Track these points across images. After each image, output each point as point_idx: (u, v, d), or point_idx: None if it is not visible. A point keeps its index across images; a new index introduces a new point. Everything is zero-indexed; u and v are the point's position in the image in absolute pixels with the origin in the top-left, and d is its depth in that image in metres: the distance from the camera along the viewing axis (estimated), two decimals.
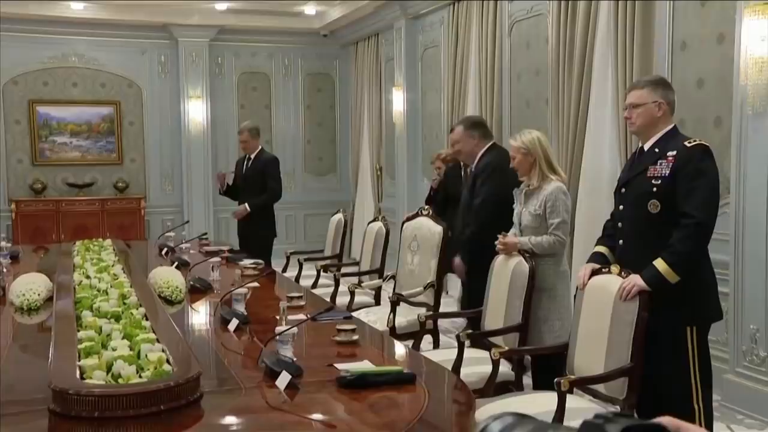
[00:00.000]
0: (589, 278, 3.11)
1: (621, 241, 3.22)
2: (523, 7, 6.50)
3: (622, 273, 2.97)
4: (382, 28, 9.17)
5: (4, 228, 8.80)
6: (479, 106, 7.10)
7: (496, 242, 3.75)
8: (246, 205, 6.33)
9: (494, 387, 3.17)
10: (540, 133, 3.84)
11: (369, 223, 5.77)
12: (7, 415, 2.29)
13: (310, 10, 9.62)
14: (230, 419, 2.29)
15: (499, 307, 3.66)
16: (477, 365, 3.36)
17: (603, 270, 3.10)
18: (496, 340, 3.58)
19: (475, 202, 4.23)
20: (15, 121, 9.30)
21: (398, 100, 8.80)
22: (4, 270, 4.77)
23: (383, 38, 9.26)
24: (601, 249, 3.31)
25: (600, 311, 2.96)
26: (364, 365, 2.59)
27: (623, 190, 3.23)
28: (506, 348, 3.28)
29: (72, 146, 9.59)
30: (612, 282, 2.97)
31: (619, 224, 3.24)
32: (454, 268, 4.48)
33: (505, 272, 3.69)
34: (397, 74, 8.79)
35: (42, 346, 3.03)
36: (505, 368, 3.34)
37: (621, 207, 3.24)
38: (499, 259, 3.80)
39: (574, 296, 3.28)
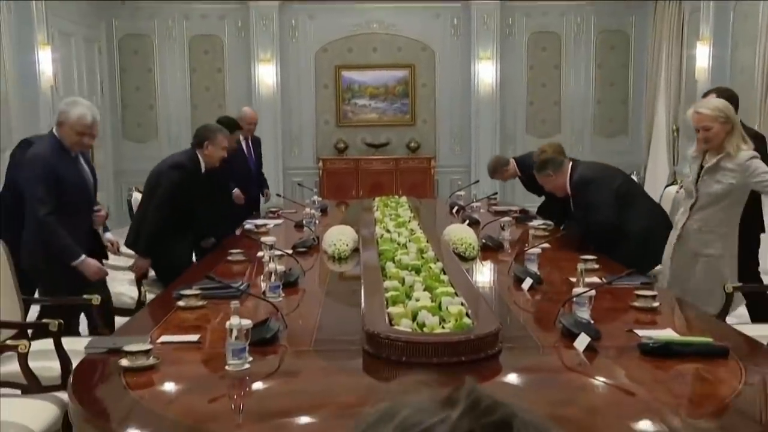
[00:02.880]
0: None
1: None
2: None
3: None
4: None
5: (313, 183, 9.67)
6: None
7: None
8: None
9: None
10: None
11: (666, 186, 5.42)
12: (326, 351, 2.55)
13: None
14: (528, 377, 2.31)
15: None
16: None
17: None
18: None
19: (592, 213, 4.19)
20: (324, 85, 10.14)
21: (702, 56, 8.08)
22: (317, 222, 5.26)
23: None
24: None
25: None
26: (668, 333, 2.45)
27: None
28: None
29: (370, 108, 10.21)
30: None
31: None
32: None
33: None
34: (703, 27, 8.05)
35: (351, 292, 3.31)
36: None
37: None
38: None
39: None
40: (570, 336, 2.42)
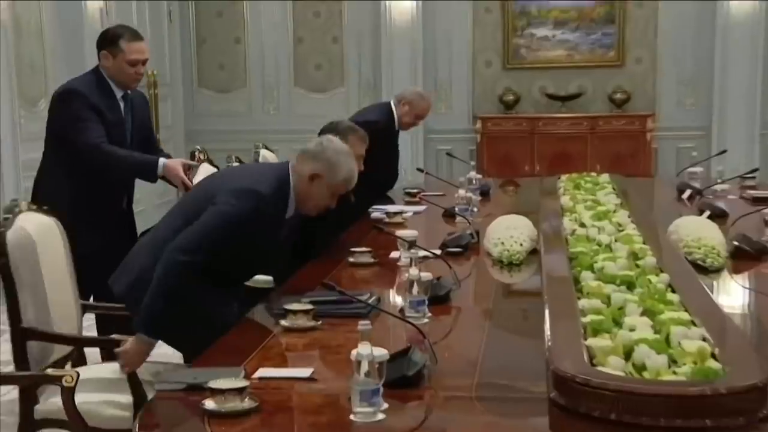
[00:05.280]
0: None
1: None
2: None
3: None
4: None
5: (467, 154, 9.65)
6: None
7: None
8: None
9: None
10: None
11: None
12: (493, 399, 2.56)
13: None
14: None
15: None
16: None
17: None
18: None
19: None
20: (485, 9, 10.11)
21: None
22: (475, 209, 5.26)
23: None
24: None
25: None
26: None
27: None
28: None
29: (554, 41, 10.09)
30: None
31: None
32: None
33: None
34: None
35: (527, 314, 3.31)
36: None
37: None
38: None
39: None
40: None
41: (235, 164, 5.02)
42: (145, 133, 4.76)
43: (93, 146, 4.32)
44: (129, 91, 4.57)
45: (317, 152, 3.49)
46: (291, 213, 3.56)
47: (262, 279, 4.25)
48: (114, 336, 3.28)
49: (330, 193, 3.54)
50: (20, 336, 3.26)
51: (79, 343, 3.54)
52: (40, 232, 3.45)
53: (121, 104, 4.54)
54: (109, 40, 4.47)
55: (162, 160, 4.48)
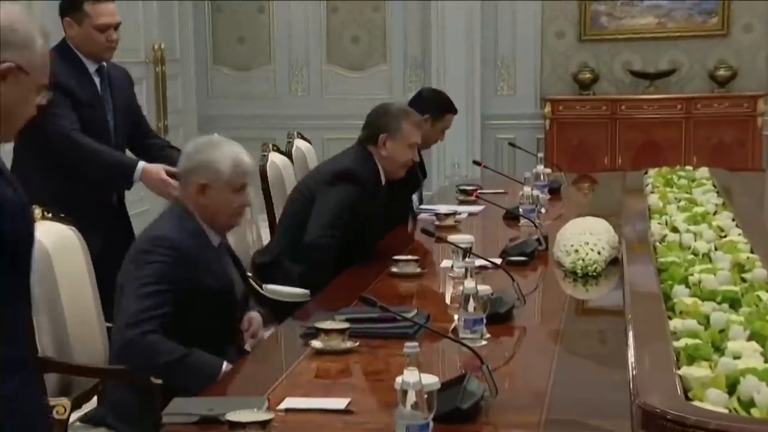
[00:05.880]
0: None
1: None
2: None
3: None
4: None
5: (534, 144, 9.60)
6: None
7: None
8: None
9: None
10: None
11: None
12: None
13: None
14: None
15: None
16: None
17: None
18: None
19: None
20: None
21: None
22: (543, 210, 5.23)
23: None
24: None
25: None
26: None
27: None
28: None
29: (642, 7, 10.01)
30: None
31: None
32: None
33: None
34: None
35: (608, 334, 3.29)
36: None
37: None
38: None
39: None
40: None
41: (274, 154, 5.08)
42: (133, 118, 4.73)
43: (64, 135, 4.29)
44: (105, 65, 4.54)
45: (187, 165, 3.50)
46: (217, 242, 3.53)
47: (294, 292, 4.26)
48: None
49: (232, 191, 3.47)
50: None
51: (104, 374, 3.48)
52: (58, 246, 3.43)
53: (96, 80, 4.51)
54: (71, 4, 4.41)
55: (141, 164, 4.39)
